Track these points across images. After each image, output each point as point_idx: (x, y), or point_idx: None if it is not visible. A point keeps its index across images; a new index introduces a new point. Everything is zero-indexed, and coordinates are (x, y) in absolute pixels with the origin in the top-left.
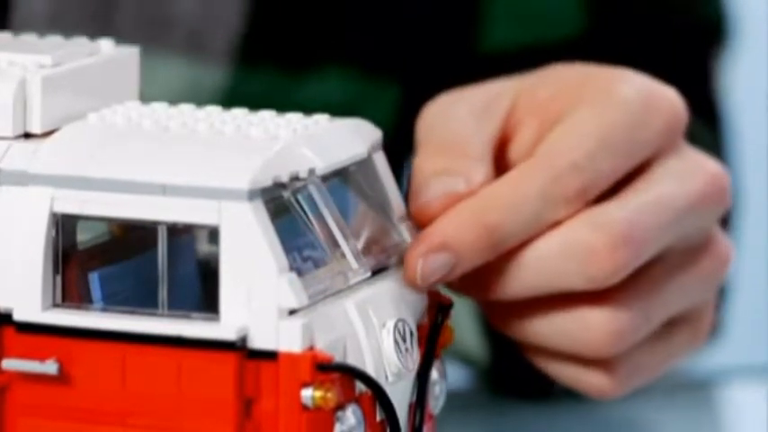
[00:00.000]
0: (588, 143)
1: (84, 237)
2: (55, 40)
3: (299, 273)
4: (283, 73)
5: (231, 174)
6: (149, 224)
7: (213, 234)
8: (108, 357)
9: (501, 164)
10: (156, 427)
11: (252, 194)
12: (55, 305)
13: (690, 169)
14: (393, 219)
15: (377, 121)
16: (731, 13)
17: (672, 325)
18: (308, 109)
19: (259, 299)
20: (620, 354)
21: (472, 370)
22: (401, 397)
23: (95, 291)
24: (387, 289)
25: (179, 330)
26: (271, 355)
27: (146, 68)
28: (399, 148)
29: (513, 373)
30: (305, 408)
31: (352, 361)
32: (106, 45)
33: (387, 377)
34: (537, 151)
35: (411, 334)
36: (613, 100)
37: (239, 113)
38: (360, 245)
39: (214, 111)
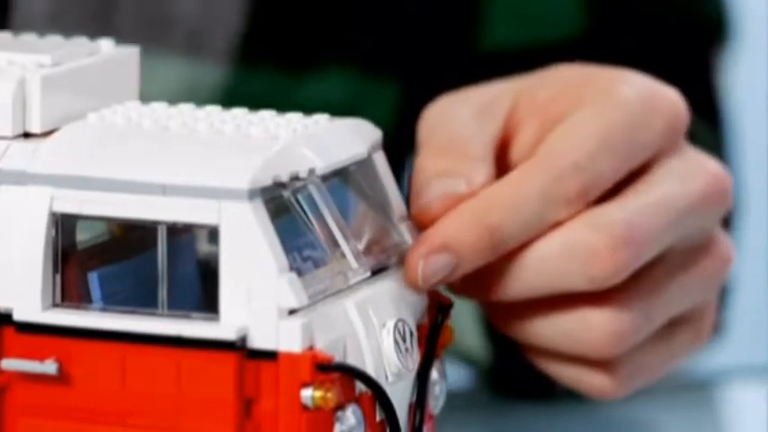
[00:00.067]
0: (589, 144)
1: (83, 236)
2: (55, 39)
3: (299, 273)
4: (283, 73)
5: (231, 173)
6: (149, 224)
7: (213, 234)
8: (108, 357)
9: (502, 164)
10: (155, 427)
11: (252, 194)
12: (54, 305)
13: (691, 169)
14: (393, 219)
15: (377, 121)
16: (731, 12)
17: (673, 325)
18: (307, 109)
19: (259, 299)
20: (621, 354)
21: (473, 370)
22: (401, 397)
23: (95, 290)
24: (387, 289)
25: (179, 330)
26: (271, 355)
27: (146, 68)
28: (399, 147)
29: (514, 373)
30: (305, 408)
31: (352, 361)
32: (106, 45)
33: (387, 377)
34: (538, 152)
35: (411, 334)
36: (614, 100)
37: (239, 113)
38: (360, 245)
39: (214, 110)
